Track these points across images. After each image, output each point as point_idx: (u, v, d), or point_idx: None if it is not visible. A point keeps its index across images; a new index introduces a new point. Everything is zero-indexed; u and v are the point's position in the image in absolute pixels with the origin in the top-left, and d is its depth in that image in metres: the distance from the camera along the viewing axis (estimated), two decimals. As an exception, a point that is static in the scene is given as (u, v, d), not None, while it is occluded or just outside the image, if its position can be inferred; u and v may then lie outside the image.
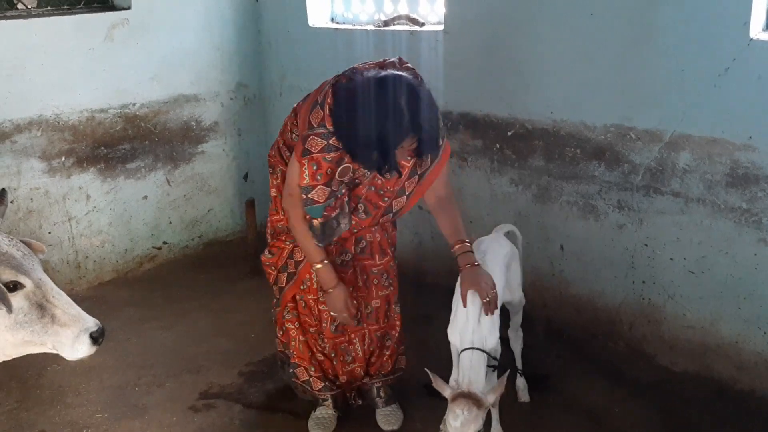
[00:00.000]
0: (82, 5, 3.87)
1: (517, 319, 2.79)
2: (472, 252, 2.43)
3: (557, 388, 2.94)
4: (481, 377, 2.23)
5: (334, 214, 2.38)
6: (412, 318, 3.00)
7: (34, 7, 3.74)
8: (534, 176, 3.25)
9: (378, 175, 2.40)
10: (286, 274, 2.68)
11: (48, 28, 3.64)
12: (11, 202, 3.67)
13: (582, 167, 3.06)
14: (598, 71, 2.91)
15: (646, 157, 2.85)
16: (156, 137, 4.13)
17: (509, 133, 3.29)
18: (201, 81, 4.23)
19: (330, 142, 2.28)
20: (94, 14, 3.81)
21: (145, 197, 4.18)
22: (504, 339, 2.55)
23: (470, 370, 2.23)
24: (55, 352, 1.99)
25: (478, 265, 2.39)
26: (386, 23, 3.81)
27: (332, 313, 2.58)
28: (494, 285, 2.36)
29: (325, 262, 2.47)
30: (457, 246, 2.43)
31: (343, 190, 2.40)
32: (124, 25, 3.84)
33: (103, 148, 3.95)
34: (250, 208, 4.13)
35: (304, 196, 2.34)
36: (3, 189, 2.13)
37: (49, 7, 3.77)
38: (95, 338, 1.97)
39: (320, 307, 2.65)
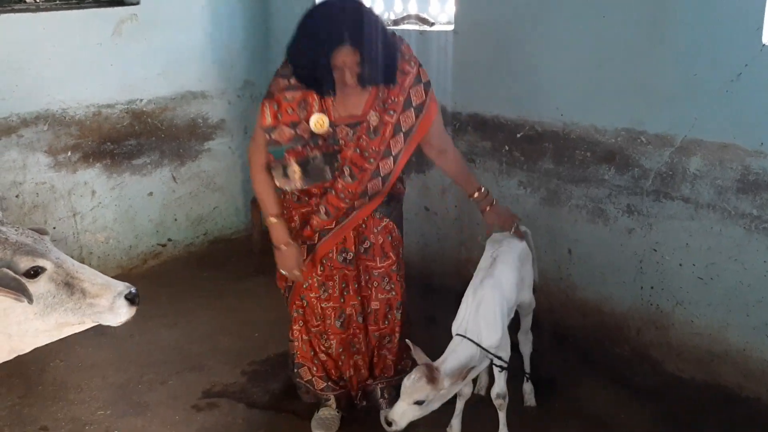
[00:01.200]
0: (90, 0, 3.85)
1: (527, 322, 2.78)
2: (489, 194, 2.62)
3: (563, 392, 2.92)
4: (457, 364, 2.22)
5: (312, 155, 2.36)
6: (417, 320, 2.97)
7: (42, 1, 3.72)
8: (543, 179, 3.23)
9: (363, 136, 2.37)
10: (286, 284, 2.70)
11: (56, 22, 3.62)
12: (16, 196, 3.66)
13: (592, 171, 3.04)
14: (609, 74, 2.89)
15: (657, 162, 2.82)
16: (162, 134, 4.12)
17: (518, 135, 3.27)
18: (208, 78, 4.21)
19: (291, 81, 2.33)
20: (102, 9, 3.80)
21: (151, 194, 4.17)
22: (513, 343, 2.53)
23: (451, 353, 2.26)
24: (94, 324, 1.96)
25: (497, 203, 2.63)
26: (396, 22, 3.79)
27: (282, 271, 2.55)
28: (516, 217, 2.66)
29: (279, 219, 2.48)
30: (476, 194, 2.60)
31: (320, 142, 2.37)
32: (133, 21, 3.83)
33: (109, 143, 3.93)
34: (255, 206, 4.11)
35: (267, 137, 2.36)
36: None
37: (57, 1, 3.76)
38: (131, 299, 1.96)
39: (322, 306, 2.65)
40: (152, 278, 4.11)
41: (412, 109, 2.39)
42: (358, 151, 2.40)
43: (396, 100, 2.37)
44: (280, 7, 4.27)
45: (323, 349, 2.73)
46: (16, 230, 1.91)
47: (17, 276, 1.80)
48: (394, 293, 2.68)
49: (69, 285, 1.89)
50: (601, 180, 3.01)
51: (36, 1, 3.71)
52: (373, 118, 2.38)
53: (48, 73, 3.62)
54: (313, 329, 2.71)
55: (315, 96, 2.34)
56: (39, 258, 1.85)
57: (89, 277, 1.94)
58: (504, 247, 2.55)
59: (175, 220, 4.30)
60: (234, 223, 4.55)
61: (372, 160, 2.41)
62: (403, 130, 2.40)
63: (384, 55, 2.28)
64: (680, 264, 2.85)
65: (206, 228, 4.43)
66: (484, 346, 2.29)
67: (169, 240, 4.31)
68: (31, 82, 3.58)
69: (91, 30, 3.73)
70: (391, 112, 2.37)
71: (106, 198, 3.99)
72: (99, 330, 3.47)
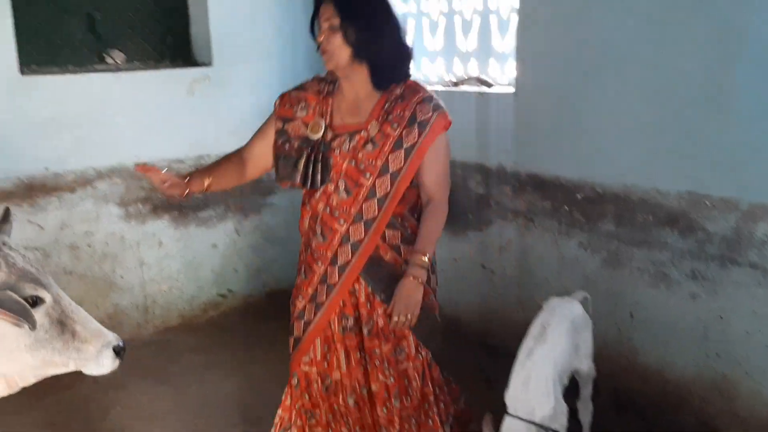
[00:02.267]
0: (167, 61, 4.08)
1: (586, 391, 2.70)
2: (422, 267, 2.24)
3: (624, 462, 2.83)
4: None
5: (286, 152, 2.31)
6: (473, 381, 2.93)
7: (122, 62, 3.96)
8: (603, 241, 3.20)
9: (359, 147, 2.23)
10: (292, 338, 2.49)
11: (134, 81, 3.85)
12: (88, 245, 3.83)
13: (654, 234, 2.99)
14: (672, 136, 2.87)
15: (722, 226, 2.77)
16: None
17: (578, 196, 3.26)
18: (273, 135, 4.36)
19: (305, 84, 2.38)
20: (177, 70, 4.02)
21: (215, 245, 4.29)
22: (572, 409, 2.47)
23: None
24: (75, 370, 1.93)
25: (421, 283, 2.24)
26: (456, 84, 3.87)
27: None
28: (418, 309, 2.25)
29: (193, 176, 2.28)
30: (415, 256, 2.25)
31: (304, 144, 2.28)
32: (205, 81, 4.03)
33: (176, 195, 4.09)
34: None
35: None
36: (6, 207, 2.09)
37: (136, 62, 3.98)
38: (117, 352, 1.94)
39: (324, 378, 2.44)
40: (212, 328, 4.19)
41: (416, 125, 2.21)
42: (353, 163, 2.24)
43: (402, 114, 2.22)
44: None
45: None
46: (22, 257, 1.90)
47: (21, 300, 1.77)
48: (392, 380, 2.38)
49: (62, 323, 1.88)
50: (664, 243, 2.96)
51: (116, 62, 3.94)
52: (373, 128, 2.23)
53: (124, 129, 3.82)
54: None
55: (317, 98, 2.32)
56: (41, 289, 1.85)
57: (83, 320, 1.92)
58: (558, 313, 2.51)
59: (236, 271, 4.41)
60: (292, 276, 4.57)
61: (368, 174, 2.23)
62: (405, 146, 2.22)
63: (383, 40, 2.18)
64: (747, 332, 2.75)
65: (265, 280, 4.52)
66: (536, 419, 2.23)
67: (229, 290, 4.40)
68: (108, 138, 3.78)
69: (166, 89, 3.93)
70: (395, 125, 2.22)
71: (172, 249, 4.13)
72: (160, 378, 3.59)
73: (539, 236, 3.45)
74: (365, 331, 2.36)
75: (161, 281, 4.12)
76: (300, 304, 2.42)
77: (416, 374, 2.39)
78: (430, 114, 2.22)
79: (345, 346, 2.39)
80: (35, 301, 1.83)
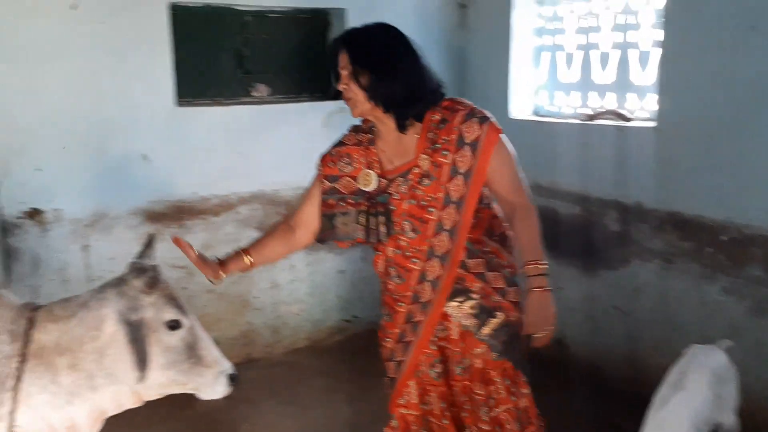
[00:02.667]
0: (305, 94, 4.28)
1: (730, 448, 2.50)
2: (545, 275, 2.14)
3: None
4: None
5: (342, 210, 2.25)
6: (598, 429, 2.80)
7: (266, 95, 4.20)
8: (750, 286, 2.97)
9: (416, 185, 2.15)
10: (388, 378, 2.40)
11: (276, 113, 4.07)
12: (213, 282, 4.05)
13: (810, 281, 2.75)
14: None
15: None
16: (358, 216, 4.38)
17: (723, 238, 3.06)
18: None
19: (345, 138, 2.34)
20: (315, 102, 4.20)
21: (342, 271, 4.41)
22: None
23: None
24: (191, 392, 2.09)
25: (547, 290, 2.14)
26: (592, 117, 3.78)
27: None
28: (554, 321, 2.13)
29: (239, 254, 2.33)
30: (529, 266, 2.15)
31: (362, 199, 2.21)
32: (341, 113, 4.13)
33: (310, 223, 4.26)
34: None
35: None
36: (152, 234, 2.33)
37: (278, 95, 4.21)
38: (231, 380, 2.09)
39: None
40: (337, 352, 4.29)
41: (467, 146, 2.12)
42: (414, 202, 2.17)
43: (448, 139, 2.12)
44: (473, 100, 4.43)
45: None
46: (168, 284, 2.10)
47: (145, 338, 2.00)
48: (487, 427, 2.27)
49: (192, 348, 2.05)
50: (823, 293, 2.71)
51: (261, 95, 4.19)
52: (424, 162, 2.15)
53: (265, 158, 4.03)
54: None
55: (359, 150, 2.26)
56: (182, 315, 2.04)
57: (208, 346, 2.09)
58: (699, 361, 2.34)
59: (362, 297, 4.49)
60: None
61: (432, 209, 2.15)
62: (461, 171, 2.12)
63: (394, 81, 2.09)
64: None
65: (390, 308, 4.56)
66: None
67: (355, 316, 4.49)
68: (251, 165, 4.01)
69: (305, 121, 4.12)
70: (445, 153, 2.12)
71: (302, 272, 4.29)
72: (287, 398, 3.70)
73: (678, 279, 3.26)
74: (457, 370, 2.27)
75: (291, 303, 4.28)
76: (389, 344, 2.34)
77: (510, 418, 2.26)
78: (478, 131, 2.12)
79: (439, 391, 2.31)
80: (174, 326, 2.03)
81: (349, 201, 2.24)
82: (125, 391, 2.09)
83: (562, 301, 3.88)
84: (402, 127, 2.16)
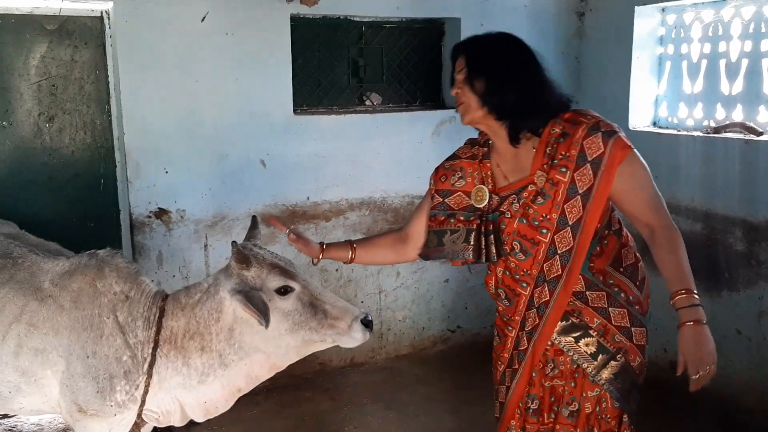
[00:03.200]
0: (417, 103, 4.32)
1: None
2: (699, 306, 1.87)
3: None
4: None
5: (452, 227, 2.14)
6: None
7: (378, 104, 4.28)
8: None
9: (529, 203, 2.01)
10: (497, 403, 2.29)
11: (387, 122, 4.13)
12: (336, 270, 4.15)
13: None
14: None
15: None
16: (465, 226, 4.36)
17: None
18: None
19: (459, 151, 2.24)
20: (426, 111, 4.23)
21: (447, 281, 4.41)
22: None
23: None
24: (333, 345, 2.17)
25: (704, 324, 1.86)
26: (716, 130, 3.58)
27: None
28: (715, 356, 1.84)
29: (347, 245, 2.34)
30: (679, 297, 1.89)
31: (472, 217, 2.11)
32: (451, 122, 4.19)
33: (417, 230, 4.29)
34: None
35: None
36: (254, 216, 2.47)
37: (390, 104, 4.28)
38: (366, 324, 2.14)
39: None
40: (439, 362, 4.29)
41: (588, 164, 1.94)
42: (525, 221, 2.03)
43: (567, 154, 1.97)
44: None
45: None
46: (271, 253, 2.21)
47: (266, 302, 2.08)
48: None
49: (313, 305, 2.12)
50: None
51: (374, 104, 4.27)
52: (540, 179, 2.01)
53: (375, 165, 4.11)
54: None
55: (473, 164, 2.16)
56: (289, 279, 2.13)
57: (330, 299, 2.15)
58: None
59: (466, 308, 4.47)
60: (522, 318, 4.56)
61: (544, 230, 2.00)
62: (580, 191, 1.96)
63: (510, 90, 2.00)
64: None
65: (493, 319, 4.49)
66: None
67: (458, 327, 4.47)
68: (361, 172, 4.09)
69: (415, 129, 4.16)
70: (563, 170, 1.97)
71: (408, 280, 4.32)
72: (389, 404, 3.74)
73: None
74: (565, 412, 2.10)
75: (396, 309, 4.33)
76: (500, 368, 2.24)
77: None
78: (602, 148, 1.94)
79: (535, 430, 2.15)
80: (285, 291, 2.13)
81: (460, 218, 2.14)
82: (258, 360, 2.20)
83: (677, 322, 3.71)
84: (515, 140, 2.05)
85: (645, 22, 3.97)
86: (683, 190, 3.67)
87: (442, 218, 2.18)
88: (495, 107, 2.02)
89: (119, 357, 2.21)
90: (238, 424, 3.37)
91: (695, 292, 1.89)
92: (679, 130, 3.84)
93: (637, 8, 3.93)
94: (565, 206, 1.98)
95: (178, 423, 2.35)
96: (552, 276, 2.03)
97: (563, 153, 1.98)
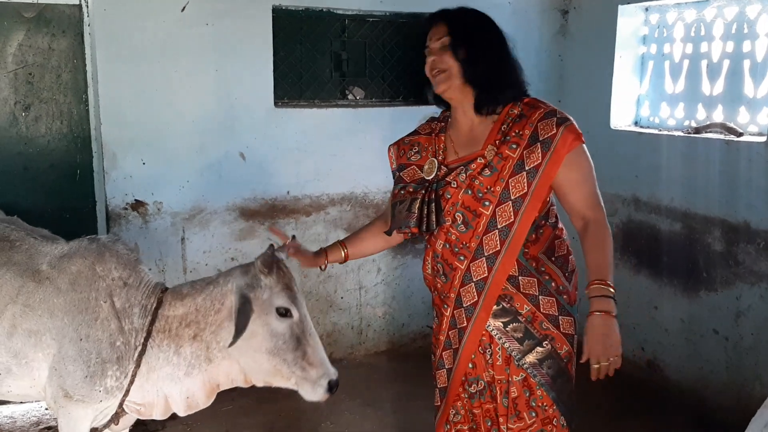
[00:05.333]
0: (400, 99, 4.30)
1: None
2: (610, 297, 1.90)
3: None
4: None
5: (401, 198, 2.14)
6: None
7: (361, 98, 4.24)
8: None
9: (476, 174, 2.03)
10: (437, 389, 2.29)
11: (370, 117, 4.10)
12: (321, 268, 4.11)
13: None
14: None
15: None
16: (446, 222, 4.35)
17: (841, 264, 2.83)
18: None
19: (421, 127, 2.26)
20: (408, 107, 4.20)
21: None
22: None
23: None
24: (293, 388, 2.17)
25: (614, 316, 1.89)
26: (697, 130, 3.60)
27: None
28: (619, 348, 1.87)
29: (338, 245, 2.33)
30: (594, 286, 1.92)
31: (419, 188, 2.11)
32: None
33: (398, 227, 4.26)
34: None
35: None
36: (271, 245, 2.30)
37: (373, 99, 4.25)
38: (331, 387, 2.15)
39: None
40: (418, 358, 4.25)
41: (539, 144, 1.98)
42: (470, 192, 2.05)
43: (521, 133, 2.01)
44: (573, 109, 4.31)
45: None
46: (291, 276, 2.21)
47: (249, 315, 2.09)
48: None
49: (299, 341, 2.13)
50: None
51: (356, 98, 4.23)
52: (490, 153, 2.04)
53: (357, 161, 4.08)
54: None
55: (428, 139, 2.19)
56: (294, 305, 2.14)
57: (315, 345, 2.17)
58: None
59: (447, 305, 4.46)
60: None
61: (487, 202, 2.03)
62: (527, 168, 1.99)
63: (491, 58, 2.04)
64: None
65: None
66: None
67: (439, 324, 4.46)
68: (343, 167, 4.06)
69: (398, 125, 4.08)
70: (513, 146, 2.01)
71: (389, 276, 4.30)
72: (368, 401, 3.72)
73: (788, 305, 3.05)
74: (503, 402, 2.10)
75: (376, 306, 4.30)
76: (437, 351, 2.24)
77: None
78: (554, 131, 1.98)
79: (485, 409, 2.15)
80: (285, 313, 2.15)
81: (409, 189, 2.14)
82: (236, 368, 2.22)
83: (657, 322, 3.74)
84: (482, 109, 2.07)
85: (628, 21, 3.97)
86: (663, 190, 3.68)
87: (396, 191, 2.20)
88: (473, 76, 2.03)
89: (113, 342, 2.19)
90: (215, 419, 3.33)
91: (611, 285, 1.91)
92: (661, 130, 3.85)
93: (620, 7, 3.93)
94: (510, 180, 2.01)
95: (159, 416, 2.33)
96: (491, 251, 2.04)
97: (517, 131, 2.03)
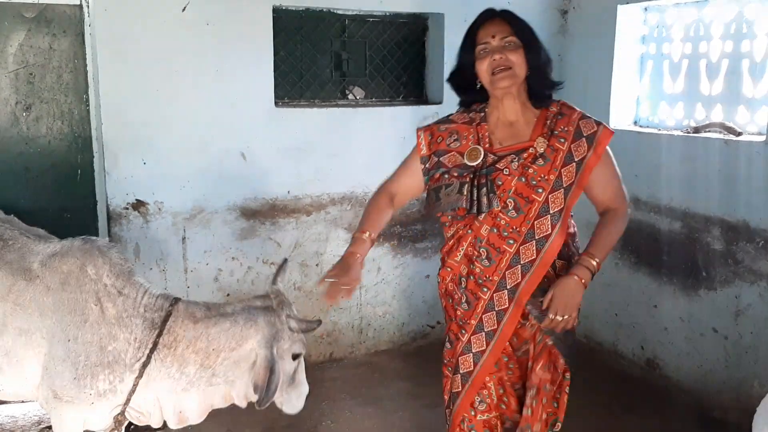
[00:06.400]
0: (400, 98, 4.31)
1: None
2: (592, 272, 2.15)
3: None
4: None
5: (448, 182, 2.23)
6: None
7: (361, 98, 4.25)
8: None
9: (528, 164, 2.17)
10: (459, 375, 2.37)
11: (370, 116, 4.10)
12: (316, 265, 4.13)
13: None
14: None
15: None
16: (446, 222, 4.36)
17: (840, 263, 2.84)
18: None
19: (451, 118, 2.36)
20: (410, 107, 4.21)
21: (428, 276, 4.40)
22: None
23: None
24: (278, 406, 2.44)
25: (584, 285, 2.13)
26: (696, 130, 3.61)
27: (326, 278, 2.18)
28: (575, 311, 2.14)
29: (363, 237, 2.30)
30: (584, 257, 2.16)
31: (465, 173, 2.21)
32: (434, 118, 4.13)
33: (398, 226, 4.28)
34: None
35: (423, 166, 2.32)
36: (285, 259, 2.61)
37: (373, 99, 4.26)
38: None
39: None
40: (419, 357, 4.28)
41: (584, 139, 2.19)
42: (524, 179, 2.18)
43: (566, 129, 2.20)
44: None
45: None
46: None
47: (280, 376, 2.32)
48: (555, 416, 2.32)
49: (296, 372, 2.39)
50: None
51: (356, 98, 4.24)
52: (540, 144, 2.19)
53: (358, 160, 4.08)
54: None
55: (469, 128, 2.28)
56: (303, 348, 2.39)
57: (301, 371, 2.43)
58: None
59: (447, 304, 4.47)
60: (502, 315, 4.57)
61: (540, 189, 2.17)
62: (576, 159, 2.18)
63: (546, 61, 2.28)
64: None
65: (475, 316, 4.52)
66: None
67: (438, 323, 4.47)
68: (343, 167, 4.06)
69: (398, 125, 4.14)
70: (562, 140, 2.19)
71: (389, 275, 4.31)
72: (368, 399, 3.73)
73: (786, 303, 3.06)
74: (519, 353, 2.29)
75: (376, 305, 4.31)
76: (463, 337, 2.30)
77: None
78: (595, 128, 2.20)
79: (504, 391, 2.32)
80: (297, 356, 2.39)
81: (454, 174, 2.24)
82: (235, 393, 2.38)
83: (657, 320, 3.75)
84: (540, 105, 2.25)
85: (627, 21, 3.98)
86: (663, 189, 3.69)
87: (437, 176, 2.27)
88: (537, 74, 2.23)
89: (103, 346, 2.19)
90: (216, 418, 3.30)
91: (599, 261, 2.15)
92: (660, 130, 3.87)
93: (619, 7, 3.94)
94: (562, 170, 2.17)
95: (155, 424, 2.36)
96: (542, 235, 2.17)
97: (561, 127, 2.20)
